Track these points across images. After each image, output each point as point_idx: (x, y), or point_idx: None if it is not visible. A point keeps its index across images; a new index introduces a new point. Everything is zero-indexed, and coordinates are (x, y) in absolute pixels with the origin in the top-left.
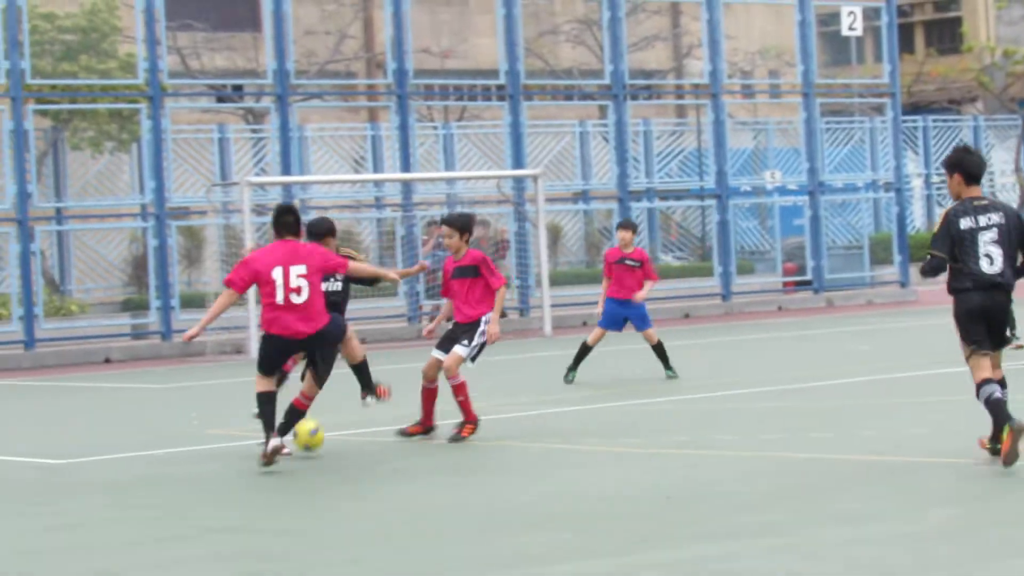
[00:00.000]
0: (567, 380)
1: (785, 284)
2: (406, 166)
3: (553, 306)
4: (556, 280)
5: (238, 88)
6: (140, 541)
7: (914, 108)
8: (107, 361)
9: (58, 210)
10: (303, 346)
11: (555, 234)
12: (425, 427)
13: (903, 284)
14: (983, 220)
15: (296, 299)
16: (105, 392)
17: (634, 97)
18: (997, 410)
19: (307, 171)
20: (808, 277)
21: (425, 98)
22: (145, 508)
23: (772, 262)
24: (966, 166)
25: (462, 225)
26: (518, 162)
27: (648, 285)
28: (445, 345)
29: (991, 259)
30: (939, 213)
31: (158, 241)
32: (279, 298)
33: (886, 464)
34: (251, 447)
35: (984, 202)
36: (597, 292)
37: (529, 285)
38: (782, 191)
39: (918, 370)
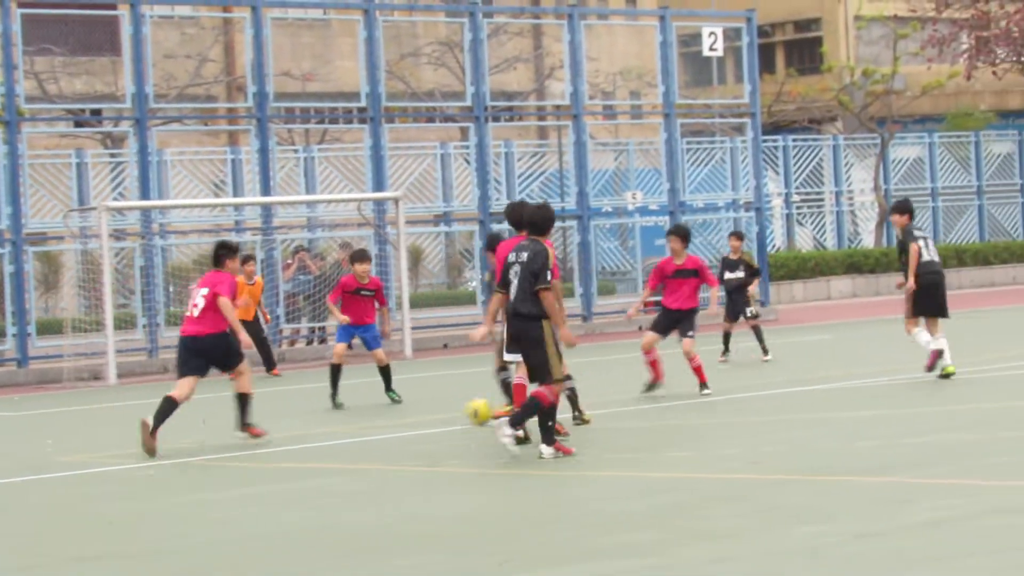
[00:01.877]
0: (337, 407)
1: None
2: (266, 190)
3: (414, 328)
4: (417, 302)
5: (96, 112)
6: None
7: (774, 128)
8: None
9: None
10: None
11: (416, 256)
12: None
13: (763, 303)
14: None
15: (194, 312)
16: None
17: (495, 119)
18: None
19: (166, 195)
20: None
21: (285, 121)
22: (2, 537)
23: (633, 282)
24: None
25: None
26: (379, 185)
27: (386, 313)
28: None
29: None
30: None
31: (14, 267)
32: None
33: (747, 482)
34: (105, 473)
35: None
36: (459, 314)
37: (391, 307)
38: (643, 211)
39: (775, 388)
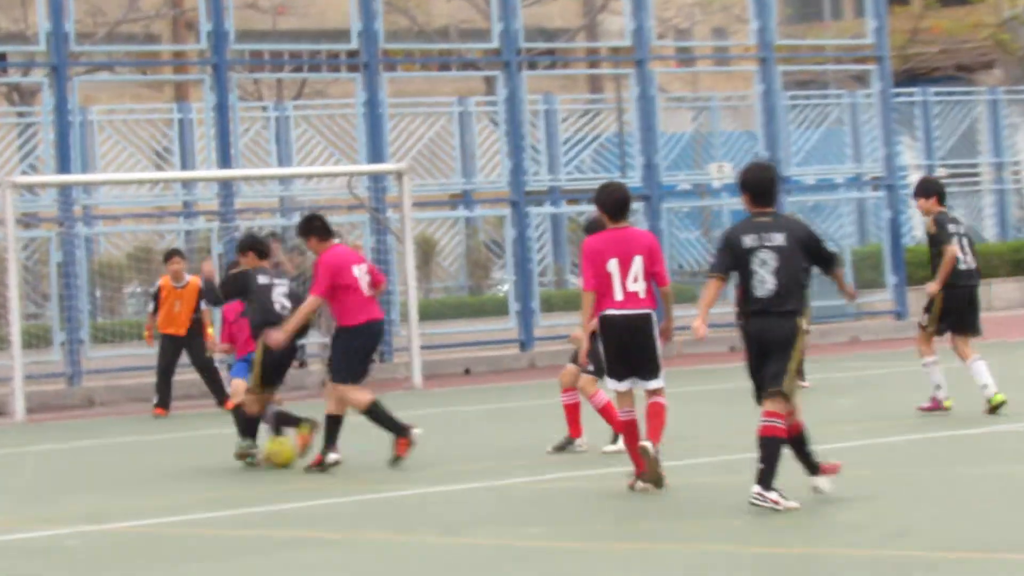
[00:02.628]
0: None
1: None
2: (225, 160)
3: (425, 348)
4: (428, 313)
5: (0, 58)
6: None
7: (910, 78)
8: None
9: None
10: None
11: (427, 250)
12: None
13: (899, 315)
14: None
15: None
16: None
17: (532, 66)
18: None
19: (92, 168)
20: None
21: (250, 69)
22: None
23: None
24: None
25: None
26: (376, 154)
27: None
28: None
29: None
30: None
31: None
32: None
33: (887, 561)
34: (23, 542)
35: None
36: (485, 328)
37: (392, 319)
38: (733, 190)
39: (916, 432)
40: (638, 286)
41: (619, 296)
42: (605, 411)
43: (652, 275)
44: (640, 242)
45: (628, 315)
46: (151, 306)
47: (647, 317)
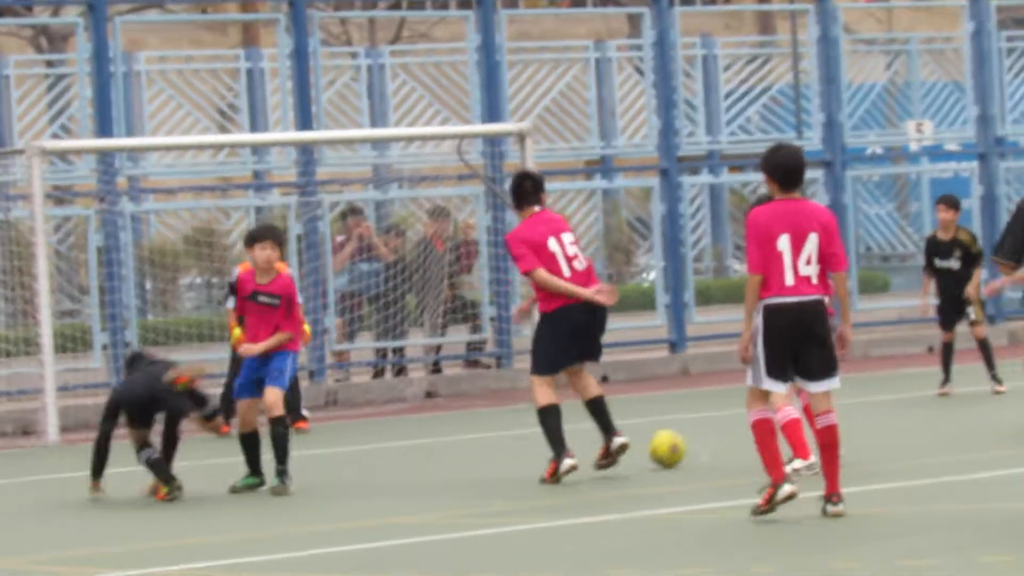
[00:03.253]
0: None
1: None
2: (306, 120)
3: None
4: None
5: None
6: None
7: None
8: None
9: None
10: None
11: None
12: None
13: None
14: None
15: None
16: None
17: (685, 1)
18: None
19: (139, 130)
20: None
21: (335, 7)
22: None
23: (919, 271)
24: None
25: None
26: (493, 111)
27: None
28: None
29: None
30: None
31: None
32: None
33: None
34: None
35: None
36: (628, 326)
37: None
38: (934, 154)
39: None
40: (811, 269)
41: (789, 280)
42: (790, 428)
43: (827, 257)
44: (816, 217)
45: (799, 302)
46: (231, 301)
47: (819, 304)
